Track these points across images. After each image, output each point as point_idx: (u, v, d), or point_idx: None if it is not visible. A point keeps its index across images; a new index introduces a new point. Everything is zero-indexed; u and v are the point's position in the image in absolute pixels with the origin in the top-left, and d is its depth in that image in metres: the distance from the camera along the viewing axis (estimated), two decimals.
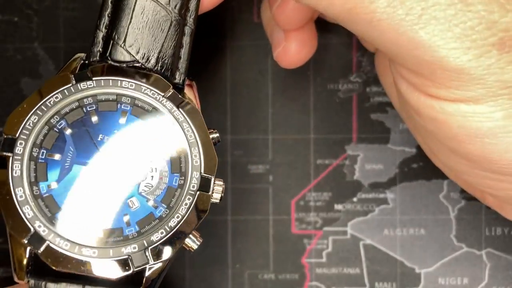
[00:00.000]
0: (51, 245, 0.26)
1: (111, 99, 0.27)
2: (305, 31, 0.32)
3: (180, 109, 0.27)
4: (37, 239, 0.26)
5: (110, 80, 0.27)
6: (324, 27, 0.35)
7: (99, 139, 0.27)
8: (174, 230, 0.26)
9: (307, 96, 0.36)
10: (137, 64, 0.28)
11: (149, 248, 0.26)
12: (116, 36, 0.27)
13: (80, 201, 0.27)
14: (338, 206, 0.36)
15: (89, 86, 0.27)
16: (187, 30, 0.28)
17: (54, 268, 0.26)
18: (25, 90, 0.36)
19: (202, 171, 0.26)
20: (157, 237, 0.26)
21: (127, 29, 0.27)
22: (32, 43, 0.36)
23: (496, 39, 0.24)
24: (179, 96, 0.27)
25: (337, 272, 0.36)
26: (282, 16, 0.31)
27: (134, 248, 0.26)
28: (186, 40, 0.28)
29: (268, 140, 0.36)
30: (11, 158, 0.26)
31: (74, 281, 0.26)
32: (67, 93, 0.27)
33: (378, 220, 0.36)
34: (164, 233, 0.26)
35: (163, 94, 0.27)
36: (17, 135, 0.26)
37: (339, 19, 0.26)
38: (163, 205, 0.27)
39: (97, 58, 0.28)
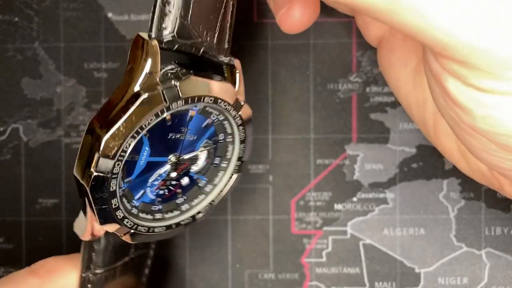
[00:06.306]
0: (133, 231, 0.30)
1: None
2: None
3: (241, 116, 0.30)
4: (123, 230, 0.30)
5: (196, 97, 0.28)
6: (324, 27, 0.35)
7: (168, 137, 0.29)
8: (216, 202, 0.32)
9: (307, 96, 0.36)
10: (199, 40, 0.28)
11: (195, 216, 0.31)
12: (183, 14, 0.28)
13: (149, 188, 0.30)
14: (338, 206, 0.36)
15: (179, 106, 0.28)
16: (231, 5, 0.30)
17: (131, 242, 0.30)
18: (26, 90, 0.36)
19: (244, 159, 0.31)
20: (201, 207, 0.31)
21: (191, 8, 0.28)
22: (32, 43, 0.36)
23: None
24: (240, 103, 0.30)
25: (337, 272, 0.36)
26: None
27: (189, 219, 0.31)
28: (231, 14, 0.30)
29: (268, 140, 0.36)
30: (109, 177, 0.27)
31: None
32: (160, 114, 0.27)
33: (378, 220, 0.36)
34: (207, 203, 0.32)
35: (231, 103, 0.30)
36: (116, 157, 0.27)
37: (383, 12, 0.24)
38: (205, 178, 0.32)
39: (162, 37, 0.27)
